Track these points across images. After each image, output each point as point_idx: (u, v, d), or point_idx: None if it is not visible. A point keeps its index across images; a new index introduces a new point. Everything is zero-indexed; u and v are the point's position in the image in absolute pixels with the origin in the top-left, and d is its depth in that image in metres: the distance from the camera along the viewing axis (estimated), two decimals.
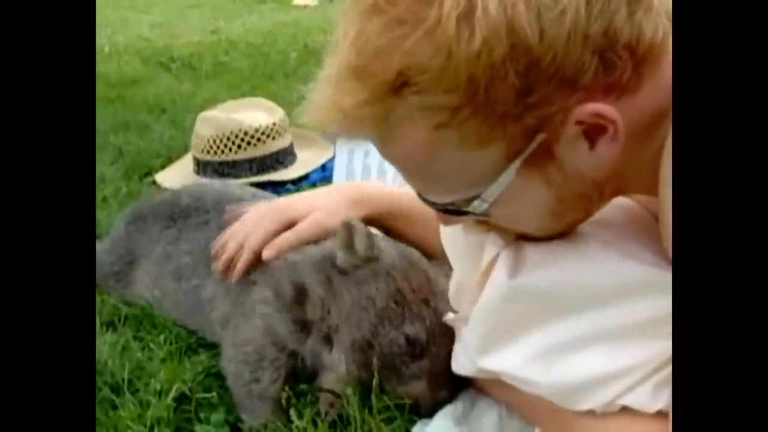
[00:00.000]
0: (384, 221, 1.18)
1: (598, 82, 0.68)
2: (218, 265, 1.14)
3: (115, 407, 1.03)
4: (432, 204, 0.83)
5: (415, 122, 0.71)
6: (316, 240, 1.12)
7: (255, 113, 2.05)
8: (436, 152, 0.73)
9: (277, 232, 1.12)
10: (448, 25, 0.64)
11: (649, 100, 0.71)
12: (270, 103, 2.13)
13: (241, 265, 1.12)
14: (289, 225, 1.13)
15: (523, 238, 0.87)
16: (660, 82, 0.71)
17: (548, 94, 0.67)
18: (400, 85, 0.68)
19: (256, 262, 1.11)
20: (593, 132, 0.71)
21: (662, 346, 0.77)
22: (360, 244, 1.03)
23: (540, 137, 0.71)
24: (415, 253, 1.10)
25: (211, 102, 2.47)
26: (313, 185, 1.96)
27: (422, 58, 0.66)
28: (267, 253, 1.10)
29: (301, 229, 1.12)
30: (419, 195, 0.84)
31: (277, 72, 3.57)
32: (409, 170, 0.80)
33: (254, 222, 1.15)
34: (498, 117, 0.68)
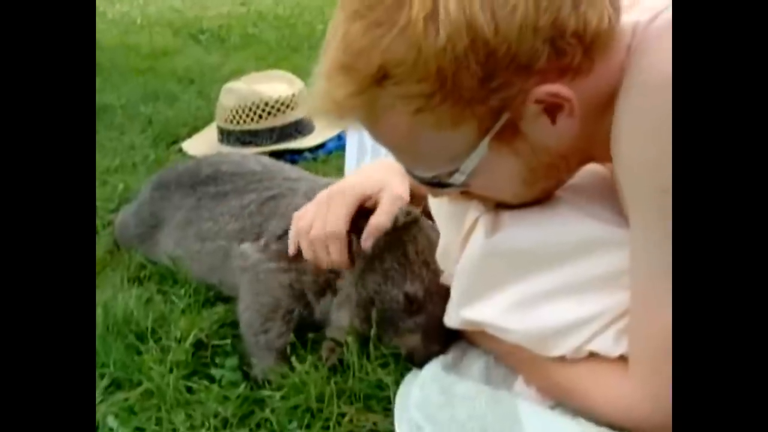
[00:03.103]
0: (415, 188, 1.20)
1: (552, 66, 0.77)
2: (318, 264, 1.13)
3: (139, 352, 1.14)
4: (419, 179, 0.92)
5: (397, 109, 0.80)
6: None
7: (276, 85, 2.14)
8: (417, 134, 0.82)
9: (350, 212, 1.11)
10: (417, 26, 0.74)
11: (602, 79, 0.80)
12: (290, 75, 2.22)
13: (339, 257, 1.10)
14: (362, 202, 1.13)
15: (502, 206, 0.95)
16: (611, 63, 0.80)
17: (508, 78, 0.76)
18: (381, 77, 0.78)
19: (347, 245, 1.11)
20: (552, 109, 0.80)
21: (622, 297, 0.85)
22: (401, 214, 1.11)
23: (505, 116, 0.80)
24: (424, 220, 1.17)
25: (237, 73, 2.56)
26: (330, 153, 2.06)
27: (398, 53, 0.76)
28: (367, 244, 1.10)
29: (388, 208, 1.11)
30: (408, 171, 0.93)
31: (302, 44, 3.64)
32: (396, 150, 0.90)
33: (323, 213, 1.12)
34: (466, 101, 0.78)
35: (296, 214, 1.17)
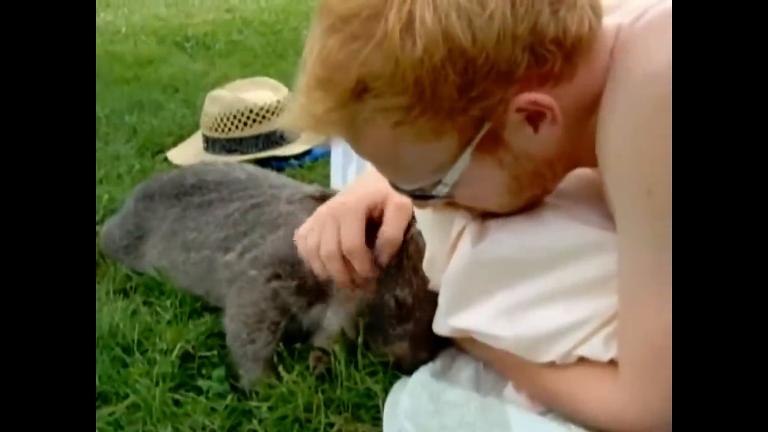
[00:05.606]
0: None
1: (533, 74, 0.76)
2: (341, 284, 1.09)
3: (125, 365, 1.13)
4: (403, 191, 0.92)
5: (377, 122, 0.79)
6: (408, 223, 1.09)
7: (260, 92, 2.14)
8: (398, 146, 0.82)
9: (363, 225, 1.07)
10: (393, 38, 0.73)
11: (586, 84, 0.80)
12: (274, 82, 2.22)
13: (366, 270, 1.06)
14: (370, 213, 1.09)
15: (488, 215, 0.95)
16: (594, 68, 0.79)
17: (487, 88, 0.76)
18: (360, 91, 0.77)
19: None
20: (534, 117, 0.79)
21: (610, 301, 0.85)
22: None
23: (487, 125, 0.79)
24: (415, 228, 1.17)
25: (223, 81, 2.55)
26: (316, 160, 2.05)
27: (375, 66, 0.75)
28: (382, 259, 1.07)
29: (394, 219, 1.08)
30: (391, 183, 0.92)
31: (288, 50, 3.63)
32: (379, 163, 0.89)
33: (331, 230, 1.07)
34: (446, 111, 0.77)
35: (299, 233, 1.12)
